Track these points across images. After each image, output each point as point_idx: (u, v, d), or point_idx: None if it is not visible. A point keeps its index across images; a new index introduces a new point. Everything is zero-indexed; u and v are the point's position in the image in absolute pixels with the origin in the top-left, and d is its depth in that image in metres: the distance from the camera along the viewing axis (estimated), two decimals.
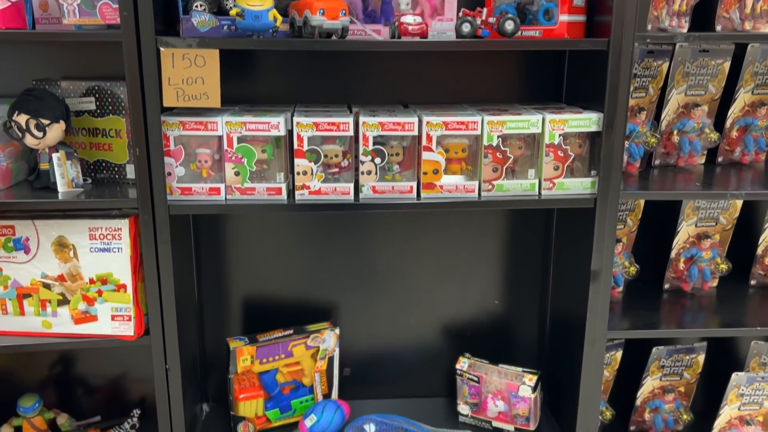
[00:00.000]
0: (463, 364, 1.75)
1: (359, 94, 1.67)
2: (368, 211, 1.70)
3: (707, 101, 1.66)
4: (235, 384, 1.65)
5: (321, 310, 1.80)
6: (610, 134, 1.39)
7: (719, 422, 1.70)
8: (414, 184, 1.43)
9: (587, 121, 1.41)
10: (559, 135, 1.42)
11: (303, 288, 1.79)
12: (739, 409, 1.70)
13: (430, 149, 1.40)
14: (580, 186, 1.45)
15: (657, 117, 1.66)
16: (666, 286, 1.79)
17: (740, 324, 1.58)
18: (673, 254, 1.76)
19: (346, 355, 1.83)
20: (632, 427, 1.86)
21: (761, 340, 1.82)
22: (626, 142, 1.58)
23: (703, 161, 1.74)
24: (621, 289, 1.72)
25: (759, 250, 1.77)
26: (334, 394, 1.77)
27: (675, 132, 1.66)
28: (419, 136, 1.40)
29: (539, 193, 1.45)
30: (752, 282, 1.80)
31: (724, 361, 1.92)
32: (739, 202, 1.72)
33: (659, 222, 1.78)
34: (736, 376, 1.65)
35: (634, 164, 1.61)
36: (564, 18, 1.41)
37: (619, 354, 1.80)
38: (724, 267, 1.75)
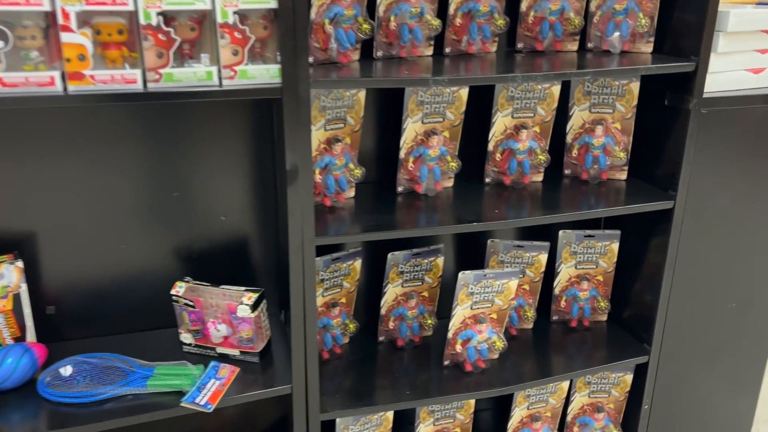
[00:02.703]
0: (179, 288, 1.56)
1: None
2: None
3: None
4: None
5: (7, 240, 1.52)
6: (287, 12, 1.21)
7: (453, 323, 1.66)
8: (58, 73, 1.17)
9: None
10: (234, 13, 1.22)
11: None
12: (471, 308, 1.67)
13: (69, 29, 1.15)
14: (267, 74, 1.27)
15: (373, 3, 1.51)
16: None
17: (479, 218, 1.51)
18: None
19: (48, 291, 1.58)
20: (381, 338, 1.80)
21: (496, 238, 1.80)
22: (331, 26, 1.42)
23: (430, 52, 1.63)
24: (347, 193, 1.60)
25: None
26: (30, 337, 1.52)
27: (392, 18, 1.52)
28: (53, 13, 1.14)
29: (219, 82, 1.26)
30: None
31: (467, 262, 1.90)
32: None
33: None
34: (463, 275, 1.61)
35: (345, 52, 1.46)
36: None
37: (358, 263, 1.71)
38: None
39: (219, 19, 1.21)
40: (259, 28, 1.26)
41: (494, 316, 1.70)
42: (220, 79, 1.25)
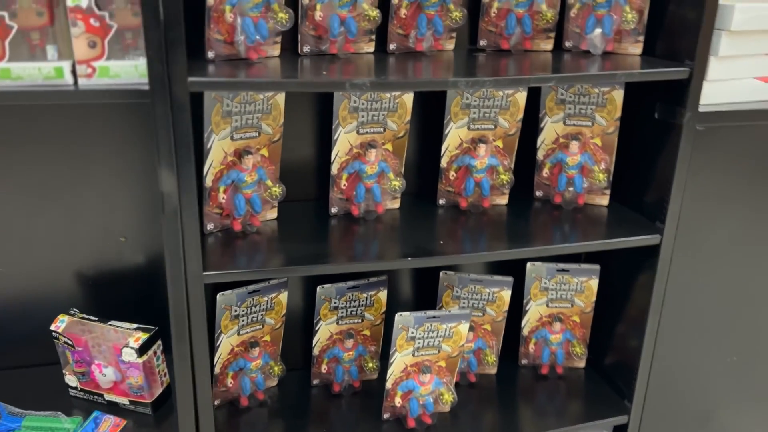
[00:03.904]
0: (60, 323, 1.32)
1: None
2: None
3: None
4: None
5: None
6: None
7: (392, 372, 1.40)
8: None
9: None
10: None
11: None
12: (413, 355, 1.40)
13: None
14: (135, 72, 1.02)
15: None
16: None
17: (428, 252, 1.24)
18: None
19: None
20: (315, 381, 1.54)
21: (450, 270, 1.53)
22: (232, 15, 1.16)
23: (371, 49, 1.36)
24: (265, 215, 1.34)
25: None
26: None
27: (318, 7, 1.26)
28: None
29: (75, 81, 1.00)
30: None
31: (417, 296, 1.64)
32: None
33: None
34: (400, 317, 1.34)
35: (255, 47, 1.20)
36: None
37: (283, 296, 1.45)
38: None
39: (69, 2, 0.96)
40: (127, 14, 1.01)
41: (442, 364, 1.43)
42: (75, 77, 1.00)
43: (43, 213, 1.34)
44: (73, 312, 1.34)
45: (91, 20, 0.97)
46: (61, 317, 1.32)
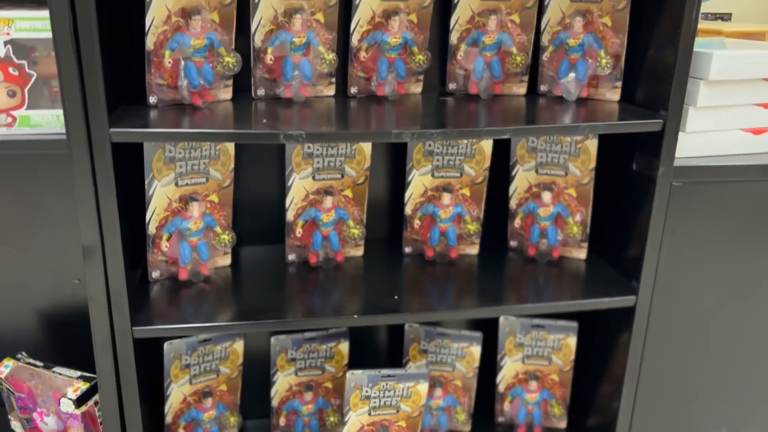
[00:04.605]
0: (4, 368, 1.29)
1: None
2: None
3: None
4: None
5: None
6: (65, 41, 0.91)
7: (348, 430, 1.32)
8: None
9: (40, 21, 0.93)
10: (5, 43, 0.94)
11: None
12: (369, 415, 1.33)
13: None
14: (57, 122, 0.99)
15: (246, 31, 1.20)
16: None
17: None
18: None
19: None
20: None
21: (416, 323, 1.45)
22: (170, 60, 1.12)
23: (331, 92, 1.31)
24: (215, 263, 1.29)
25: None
26: None
27: (269, 50, 1.21)
28: None
29: None
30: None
31: (382, 348, 1.56)
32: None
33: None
34: (351, 376, 1.27)
35: (200, 92, 1.15)
36: None
37: (239, 345, 1.39)
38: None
39: None
40: (51, 62, 0.98)
41: (402, 424, 1.35)
42: None
43: None
44: (20, 356, 1.31)
45: (10, 69, 0.94)
46: (6, 361, 1.29)
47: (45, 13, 0.92)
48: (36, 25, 0.93)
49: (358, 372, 1.27)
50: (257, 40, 1.21)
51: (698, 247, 1.25)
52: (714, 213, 1.23)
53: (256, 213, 1.39)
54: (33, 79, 0.96)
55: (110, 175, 0.98)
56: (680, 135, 1.14)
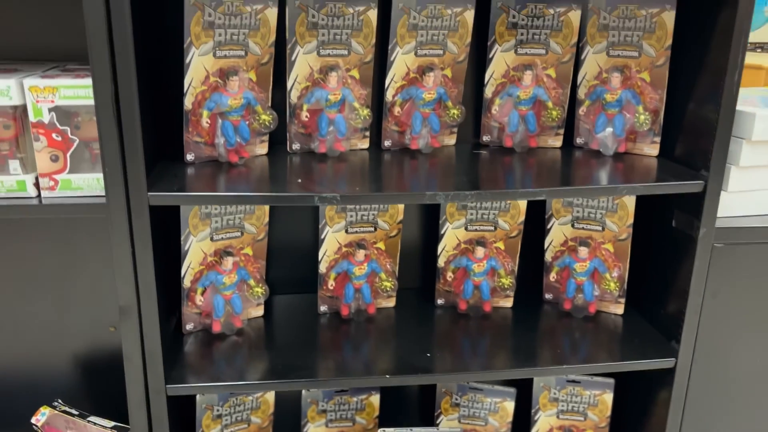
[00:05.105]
0: (41, 416, 1.30)
1: None
2: None
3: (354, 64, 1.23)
4: None
5: None
6: (107, 104, 0.93)
7: None
8: None
9: (83, 89, 0.95)
10: (50, 110, 0.96)
11: None
12: None
13: None
14: (98, 185, 1.01)
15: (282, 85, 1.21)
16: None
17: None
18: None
19: None
20: None
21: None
22: (209, 120, 1.14)
23: (365, 145, 1.31)
24: (248, 314, 1.30)
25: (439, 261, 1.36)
26: None
27: (305, 107, 1.22)
28: None
29: (38, 193, 1.00)
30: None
31: (413, 400, 1.54)
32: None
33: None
34: None
35: (236, 149, 1.16)
36: None
37: (270, 395, 1.39)
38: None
39: (31, 118, 0.96)
40: (93, 126, 1.00)
41: None
42: (38, 189, 1.00)
43: (33, 302, 1.35)
44: (56, 404, 1.32)
45: (53, 135, 0.97)
46: (43, 409, 1.31)
47: (88, 81, 0.95)
48: (79, 92, 0.95)
49: (390, 430, 1.25)
50: (293, 96, 1.22)
51: (740, 309, 1.21)
52: (756, 275, 1.20)
53: (289, 262, 1.39)
54: (75, 144, 0.98)
55: (148, 238, 0.99)
56: (721, 194, 1.12)
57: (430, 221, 1.39)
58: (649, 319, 1.32)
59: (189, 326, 1.25)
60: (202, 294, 1.22)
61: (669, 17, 1.18)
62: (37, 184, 0.99)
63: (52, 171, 0.98)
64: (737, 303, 1.20)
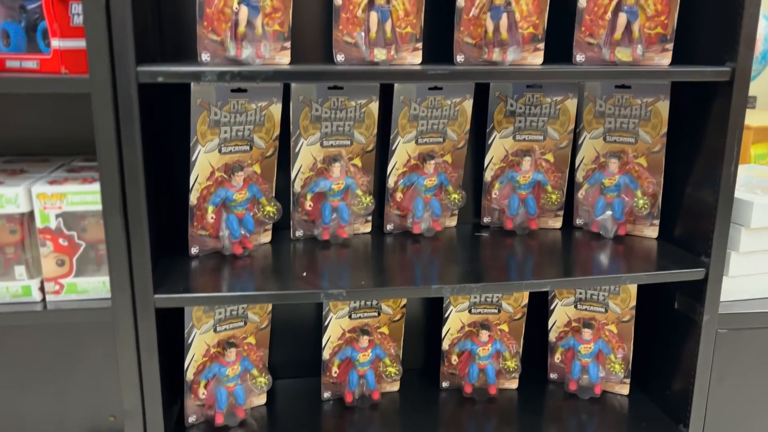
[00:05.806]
0: None
1: None
2: None
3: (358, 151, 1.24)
4: None
5: None
6: (115, 210, 0.93)
7: None
8: None
9: (91, 195, 0.96)
10: (57, 216, 0.97)
11: None
12: None
13: None
14: (102, 288, 1.00)
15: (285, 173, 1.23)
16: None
17: None
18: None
19: None
20: None
21: None
22: (214, 215, 1.15)
23: (367, 230, 1.32)
24: (253, 401, 1.28)
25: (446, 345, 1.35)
26: None
27: (309, 196, 1.23)
28: None
29: (43, 298, 0.99)
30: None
31: None
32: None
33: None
34: None
35: (240, 242, 1.17)
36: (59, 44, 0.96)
37: None
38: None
39: (38, 224, 0.96)
40: (100, 229, 1.00)
41: None
42: (43, 294, 0.99)
43: (32, 391, 1.33)
44: None
45: (60, 240, 0.97)
46: None
47: (96, 187, 0.95)
48: (87, 198, 0.95)
49: None
50: (297, 186, 1.23)
51: (747, 394, 1.21)
52: (762, 360, 1.20)
53: (292, 345, 1.38)
54: (82, 248, 0.98)
55: (154, 343, 0.98)
56: (723, 279, 1.13)
57: (433, 304, 1.39)
58: (655, 400, 1.31)
59: (192, 419, 1.23)
60: (205, 386, 1.21)
61: (663, 107, 1.21)
62: (42, 288, 0.98)
63: (58, 275, 0.98)
64: (745, 388, 1.20)
